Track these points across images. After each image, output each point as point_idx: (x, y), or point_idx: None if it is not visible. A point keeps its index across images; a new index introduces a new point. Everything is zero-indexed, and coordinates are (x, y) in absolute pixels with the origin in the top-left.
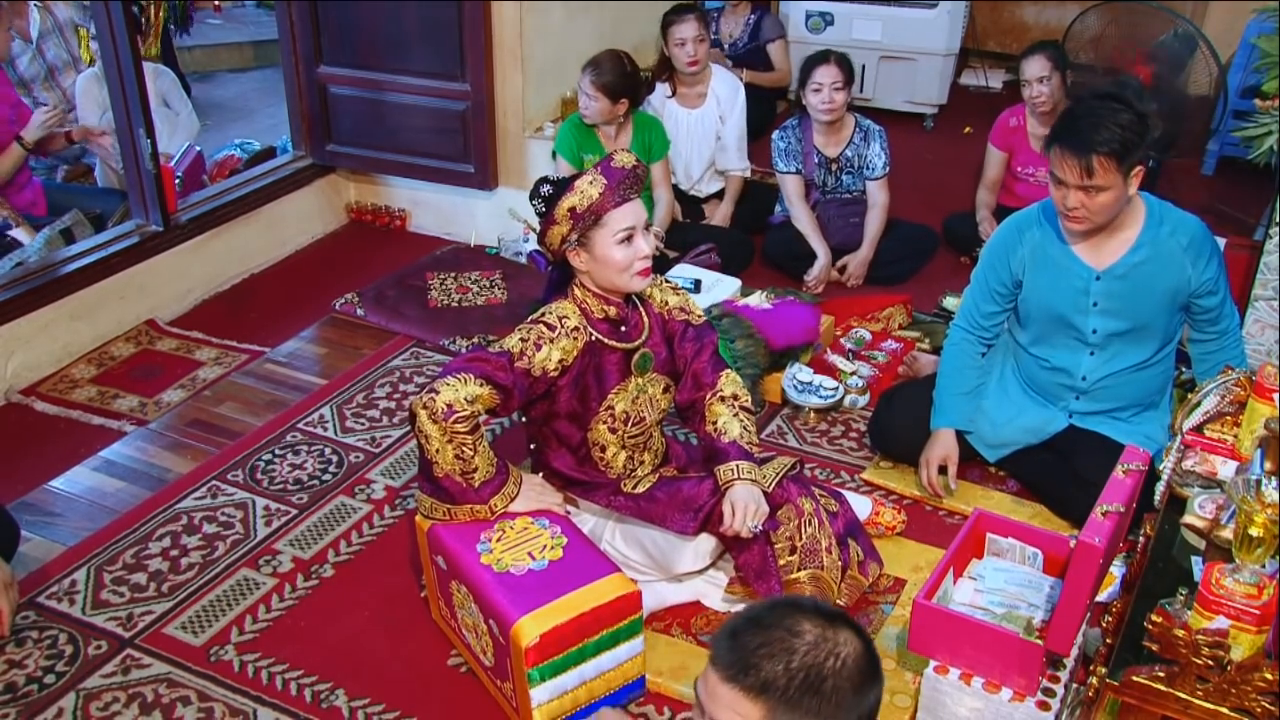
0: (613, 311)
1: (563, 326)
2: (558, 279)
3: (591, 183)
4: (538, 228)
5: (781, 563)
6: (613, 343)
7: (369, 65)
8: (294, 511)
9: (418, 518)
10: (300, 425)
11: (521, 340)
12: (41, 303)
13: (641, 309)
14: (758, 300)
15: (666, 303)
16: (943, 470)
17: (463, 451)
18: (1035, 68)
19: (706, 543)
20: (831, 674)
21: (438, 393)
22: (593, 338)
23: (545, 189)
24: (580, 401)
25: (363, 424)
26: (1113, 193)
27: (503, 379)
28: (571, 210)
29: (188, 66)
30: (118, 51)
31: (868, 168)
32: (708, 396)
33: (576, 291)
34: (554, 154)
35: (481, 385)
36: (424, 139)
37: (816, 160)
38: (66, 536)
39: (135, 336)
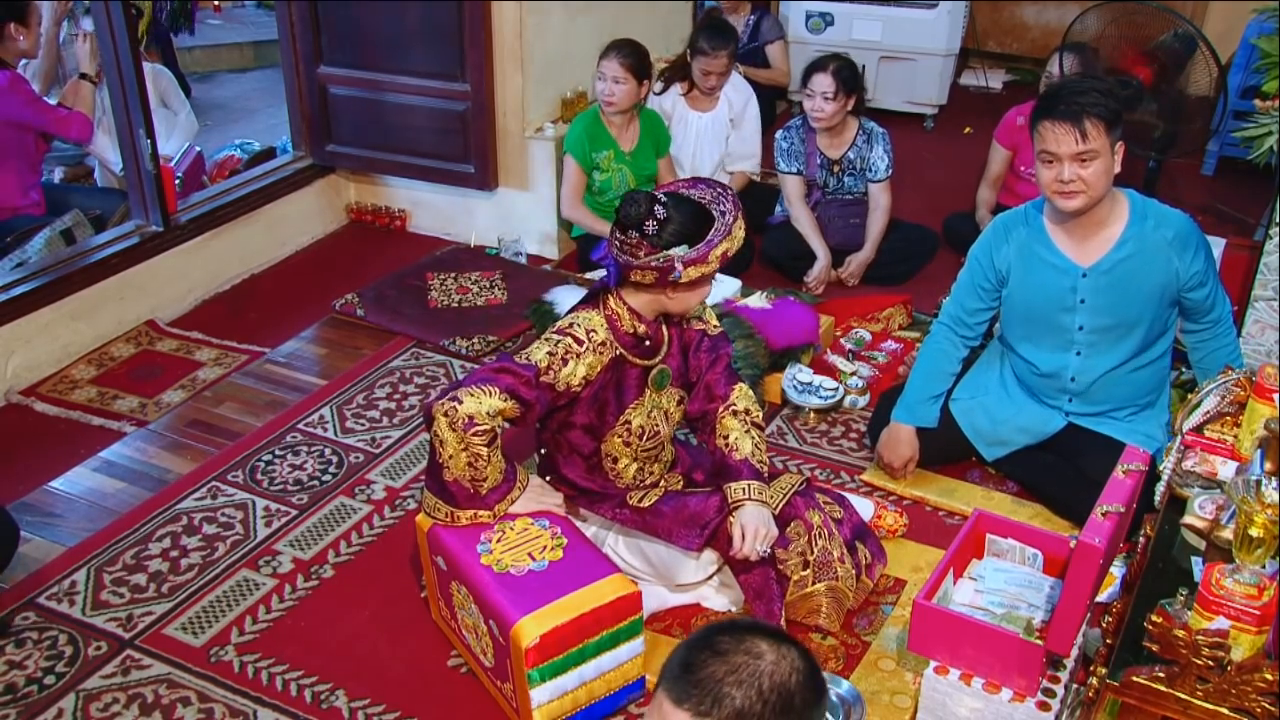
0: (641, 329)
1: (590, 341)
2: (599, 284)
3: (740, 226)
4: (633, 241)
5: (795, 578)
6: (635, 358)
7: (369, 65)
8: (294, 512)
9: (418, 518)
10: (300, 426)
11: (549, 354)
12: (41, 303)
13: (665, 325)
14: (757, 300)
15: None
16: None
17: (476, 462)
18: (1067, 66)
19: (708, 554)
20: (797, 689)
21: (461, 402)
22: (618, 352)
23: (661, 211)
24: (597, 415)
25: (363, 424)
26: (1103, 161)
27: (526, 394)
28: (724, 254)
29: (188, 66)
30: (117, 51)
31: (870, 170)
32: (720, 409)
33: (610, 303)
34: (566, 152)
35: (505, 400)
36: (424, 139)
37: (819, 161)
38: (66, 537)
39: (135, 337)
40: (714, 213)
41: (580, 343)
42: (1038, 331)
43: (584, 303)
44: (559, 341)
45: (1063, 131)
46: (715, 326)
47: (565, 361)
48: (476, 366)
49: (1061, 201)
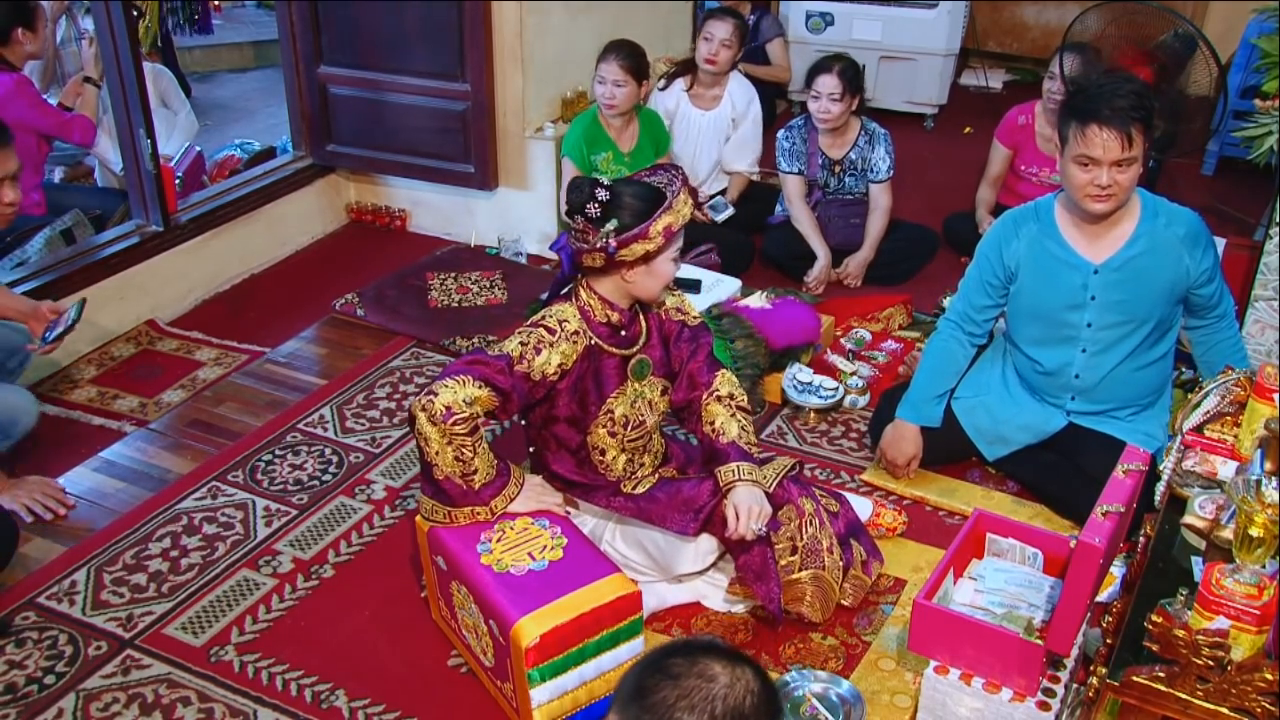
0: (614, 317)
1: (563, 330)
2: (562, 279)
3: (685, 202)
4: (580, 226)
5: (783, 563)
6: (611, 348)
7: (369, 65)
8: (294, 512)
9: (418, 518)
10: (300, 425)
11: (521, 344)
12: None
13: (641, 315)
14: (758, 300)
15: (664, 303)
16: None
17: (462, 454)
18: (1068, 66)
19: (707, 543)
20: (751, 712)
21: (436, 395)
22: (592, 342)
23: (602, 194)
24: (579, 405)
25: (363, 424)
26: (1139, 164)
27: (501, 382)
28: (667, 229)
29: (188, 66)
30: (118, 51)
31: (871, 170)
32: (704, 396)
33: (581, 294)
34: (564, 156)
35: (480, 388)
36: (424, 139)
37: (820, 161)
38: (66, 537)
39: (135, 336)
40: (666, 193)
41: (552, 332)
42: (1045, 328)
43: (558, 297)
44: (531, 333)
45: (1110, 137)
46: (695, 317)
47: (538, 351)
48: None
49: (1094, 205)
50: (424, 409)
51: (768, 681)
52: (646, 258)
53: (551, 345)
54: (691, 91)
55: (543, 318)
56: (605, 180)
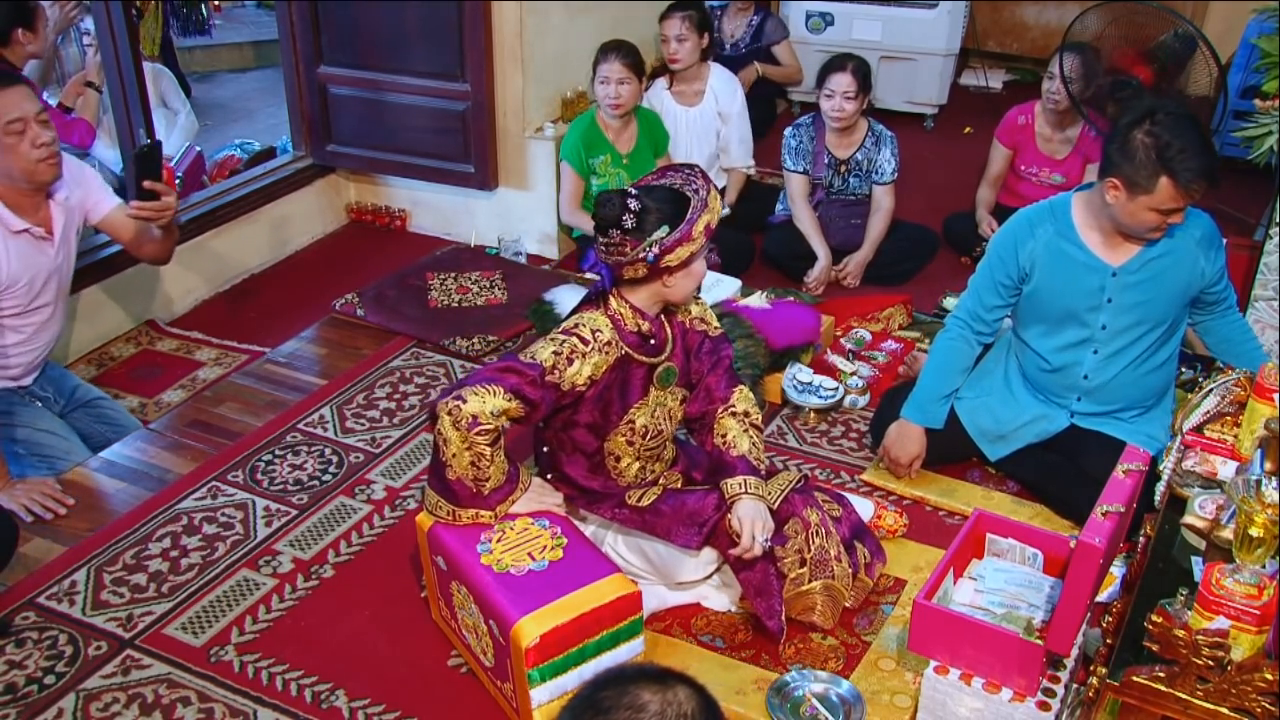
0: (645, 326)
1: (596, 340)
2: (598, 294)
3: (716, 197)
4: (616, 239)
5: (792, 575)
6: (640, 357)
7: (369, 65)
8: (294, 512)
9: (418, 518)
10: (300, 426)
11: (555, 354)
12: None
13: (666, 323)
14: (758, 300)
15: (689, 312)
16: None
17: (479, 461)
18: (1068, 66)
19: (708, 553)
20: None
21: (464, 401)
22: (623, 352)
23: (635, 204)
24: (602, 414)
25: (363, 424)
26: None
27: (531, 394)
28: (707, 227)
29: (188, 66)
30: (118, 51)
31: (876, 172)
32: (719, 410)
33: (612, 303)
34: (562, 159)
35: (509, 400)
36: (424, 139)
37: (826, 161)
38: (66, 537)
39: (135, 336)
40: (687, 193)
41: (586, 342)
42: (1058, 329)
43: (586, 304)
44: (564, 341)
45: (1198, 190)
46: (715, 328)
47: (570, 361)
48: (476, 367)
49: (1158, 236)
50: (450, 413)
51: (704, 696)
52: (690, 260)
53: (584, 356)
54: (674, 89)
55: (576, 326)
56: (633, 190)
